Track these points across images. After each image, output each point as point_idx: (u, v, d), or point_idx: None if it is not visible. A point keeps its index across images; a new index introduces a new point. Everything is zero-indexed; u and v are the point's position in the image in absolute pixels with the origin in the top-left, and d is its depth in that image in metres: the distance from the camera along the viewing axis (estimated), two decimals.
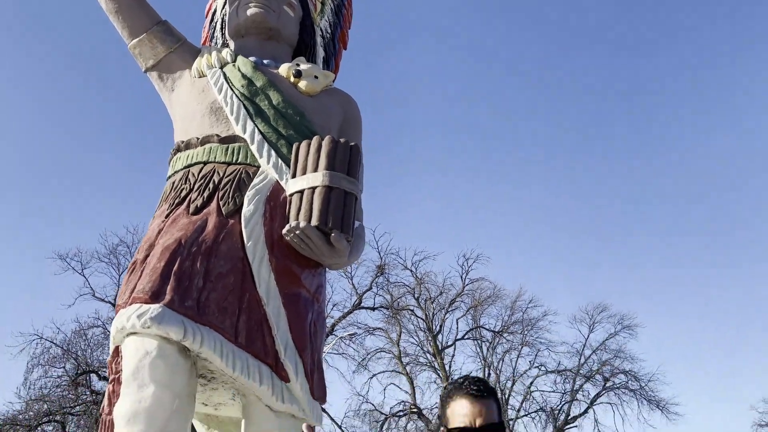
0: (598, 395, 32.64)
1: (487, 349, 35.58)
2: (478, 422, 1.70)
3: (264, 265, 5.44)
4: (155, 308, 4.67)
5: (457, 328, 34.32)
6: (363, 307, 32.92)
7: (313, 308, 5.88)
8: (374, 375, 42.48)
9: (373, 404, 32.94)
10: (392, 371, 33.52)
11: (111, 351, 4.89)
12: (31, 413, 24.81)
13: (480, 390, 1.76)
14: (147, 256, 5.17)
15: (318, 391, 5.74)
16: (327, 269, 6.14)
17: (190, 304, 4.86)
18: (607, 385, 32.33)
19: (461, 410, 1.73)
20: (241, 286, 5.16)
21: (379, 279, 33.55)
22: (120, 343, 4.79)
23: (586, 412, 32.74)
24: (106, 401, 4.74)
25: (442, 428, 1.85)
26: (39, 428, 25.21)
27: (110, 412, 4.63)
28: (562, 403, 33.21)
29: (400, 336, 34.59)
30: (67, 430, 25.34)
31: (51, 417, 25.20)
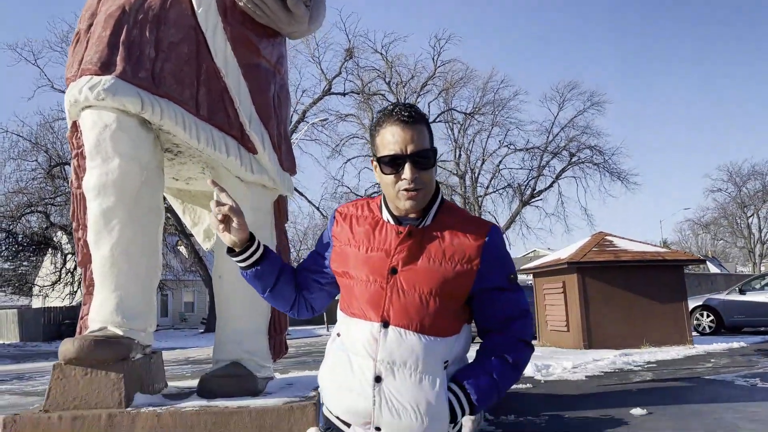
0: (563, 170, 34.10)
1: (458, 131, 36.09)
2: (410, 149, 1.60)
3: (218, 33, 5.14)
4: (107, 80, 4.49)
5: (429, 111, 34.41)
6: (333, 93, 32.45)
7: (275, 80, 5.72)
8: (348, 160, 43.48)
9: (348, 187, 34.00)
10: (366, 156, 34.10)
11: (69, 126, 4.80)
12: (12, 205, 25.36)
13: (410, 116, 1.62)
14: (90, 25, 4.83)
15: (287, 162, 5.83)
16: (287, 39, 5.88)
17: (144, 75, 4.66)
18: (573, 160, 33.64)
19: (391, 138, 1.61)
20: (197, 56, 4.92)
21: (348, 63, 32.61)
22: (76, 117, 4.67)
23: (551, 186, 34.49)
24: (72, 175, 4.75)
25: (372, 159, 1.74)
26: (23, 218, 25.99)
27: (79, 186, 4.67)
28: (529, 179, 34.77)
29: (372, 121, 34.75)
30: (51, 219, 26.18)
31: (33, 208, 25.83)
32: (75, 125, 4.71)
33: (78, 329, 4.78)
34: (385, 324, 1.57)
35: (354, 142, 35.16)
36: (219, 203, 1.63)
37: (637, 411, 5.89)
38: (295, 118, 30.06)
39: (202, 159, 5.09)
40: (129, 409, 4.22)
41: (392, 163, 1.60)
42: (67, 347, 4.23)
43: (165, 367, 5.62)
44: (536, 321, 13.80)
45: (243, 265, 1.73)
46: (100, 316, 4.55)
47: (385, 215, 1.71)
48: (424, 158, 1.60)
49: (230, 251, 1.72)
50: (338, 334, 1.75)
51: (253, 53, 5.21)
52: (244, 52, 5.11)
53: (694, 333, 13.28)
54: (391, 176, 1.61)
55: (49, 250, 27.94)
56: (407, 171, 1.58)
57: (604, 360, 10.27)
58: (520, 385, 7.92)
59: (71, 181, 4.79)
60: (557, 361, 9.87)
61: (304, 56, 44.49)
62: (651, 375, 8.19)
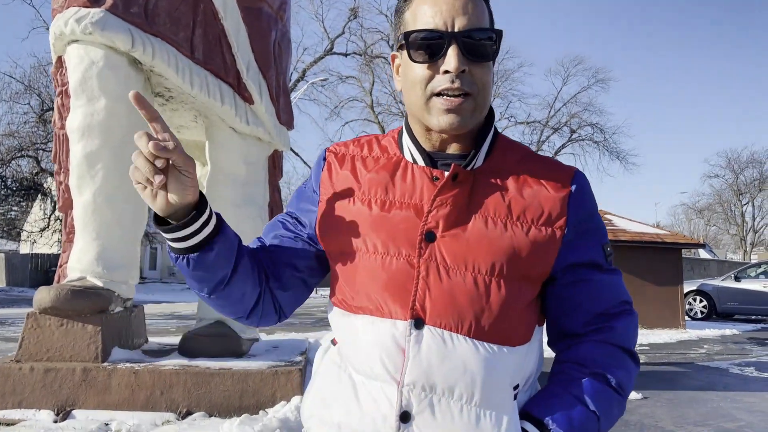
0: (563, 146, 33.88)
1: None
2: (458, 23, 0.98)
3: None
4: (96, 12, 4.16)
5: None
6: (335, 53, 31.76)
7: (276, 26, 5.39)
8: (346, 123, 42.84)
9: None
10: (364, 120, 33.65)
11: (54, 61, 4.48)
12: (2, 148, 24.86)
13: None
14: None
15: (284, 116, 5.54)
16: None
17: (137, 11, 4.34)
18: (573, 136, 33.37)
19: (430, 9, 1.00)
20: None
21: (352, 23, 31.88)
22: (62, 52, 4.35)
23: None
24: (56, 115, 4.46)
25: (392, 54, 1.12)
26: (13, 162, 25.52)
27: (62, 126, 4.39)
28: None
29: (372, 85, 34.06)
30: (42, 165, 25.75)
31: (24, 152, 25.33)
32: (60, 61, 4.40)
33: (56, 277, 4.55)
34: (418, 323, 0.96)
35: (353, 105, 34.65)
36: (155, 140, 0.88)
37: (632, 395, 5.74)
38: (295, 76, 29.49)
39: (195, 106, 4.79)
40: (105, 363, 4.02)
41: (427, 46, 0.98)
42: (42, 296, 4.00)
43: (150, 321, 5.44)
44: None
45: (183, 245, 0.98)
46: (80, 264, 4.32)
47: (409, 152, 1.09)
48: (480, 41, 0.98)
49: (162, 222, 0.97)
50: (333, 342, 1.14)
51: None
52: None
53: (686, 317, 13.21)
54: (423, 67, 0.99)
55: (39, 195, 27.57)
56: (452, 58, 0.96)
57: None
58: None
59: (54, 121, 4.50)
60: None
61: (307, 13, 43.60)
62: (644, 358, 8.07)
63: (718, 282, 13.86)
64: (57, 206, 4.58)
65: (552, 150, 35.11)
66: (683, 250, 12.86)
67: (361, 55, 32.84)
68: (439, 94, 0.99)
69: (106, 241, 4.30)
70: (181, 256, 1.00)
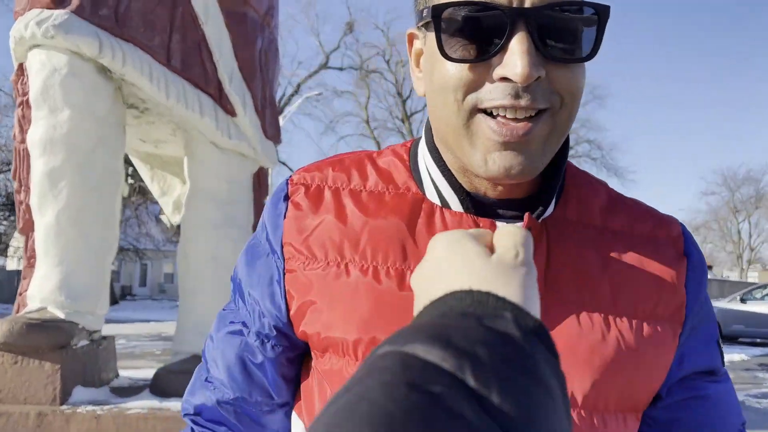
0: None
1: None
2: None
3: None
4: (60, 14, 3.76)
5: None
6: (330, 67, 31.56)
7: (263, 33, 5.00)
8: (342, 138, 42.56)
9: None
10: (360, 135, 33.42)
11: (15, 68, 4.07)
12: None
13: None
14: None
15: (271, 129, 5.13)
16: None
17: (106, 13, 3.94)
18: (571, 152, 33.25)
19: None
20: None
21: (348, 38, 31.82)
22: (23, 59, 3.95)
23: None
24: (16, 128, 4.04)
25: (410, 32, 0.66)
26: (1, 175, 25.15)
27: (23, 140, 3.98)
28: None
29: (368, 100, 33.83)
30: None
31: (11, 165, 24.93)
32: (21, 68, 3.99)
33: (15, 307, 4.11)
34: None
35: (348, 120, 34.47)
36: None
37: None
38: (290, 90, 29.26)
39: (173, 118, 4.39)
40: (64, 407, 3.57)
41: (476, 29, 0.56)
42: None
43: (135, 343, 5.00)
44: None
45: None
46: (40, 293, 3.90)
47: (434, 187, 0.67)
48: (569, 28, 0.57)
49: None
50: None
51: (238, 0, 4.50)
52: None
53: None
54: (462, 69, 0.57)
55: None
56: (517, 56, 0.54)
57: None
58: None
59: (14, 134, 4.07)
60: None
61: (303, 27, 43.55)
62: None
63: (723, 304, 13.46)
64: (17, 228, 4.15)
65: None
66: None
67: (356, 70, 32.69)
68: (489, 113, 0.57)
69: (70, 266, 3.89)
70: None
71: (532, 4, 0.54)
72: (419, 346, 0.34)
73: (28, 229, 4.03)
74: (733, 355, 10.84)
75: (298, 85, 29.85)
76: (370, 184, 0.68)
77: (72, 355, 3.78)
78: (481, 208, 0.65)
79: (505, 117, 0.56)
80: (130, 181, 16.85)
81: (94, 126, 3.87)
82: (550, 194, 0.64)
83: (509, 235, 0.48)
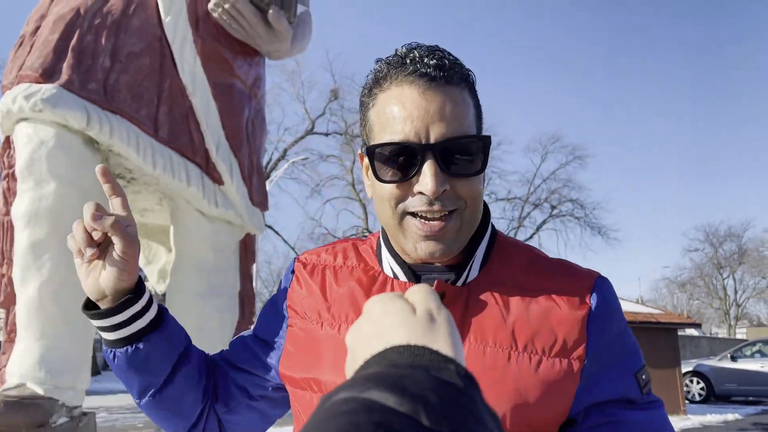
0: (544, 222, 34.06)
1: None
2: (435, 133, 0.79)
3: (187, 46, 4.52)
4: (48, 88, 3.81)
5: None
6: (316, 133, 32.08)
7: (250, 104, 5.09)
8: (328, 201, 42.83)
9: (326, 228, 33.35)
10: (345, 197, 33.68)
11: (1, 141, 4.10)
12: None
13: (440, 68, 0.79)
14: (38, 28, 4.17)
15: (258, 196, 5.15)
16: (266, 59, 5.28)
17: (95, 87, 4.00)
18: (554, 212, 33.60)
19: (400, 109, 0.79)
20: (160, 70, 4.28)
21: (333, 104, 32.44)
22: (10, 132, 3.98)
23: (531, 237, 34.20)
24: (1, 200, 4.02)
25: (360, 152, 0.93)
26: None
27: (7, 212, 3.96)
28: (509, 229, 34.46)
29: (354, 163, 34.28)
30: None
31: None
32: (8, 141, 4.01)
33: None
34: None
35: (334, 183, 34.71)
36: (95, 212, 0.83)
37: None
38: (276, 155, 29.59)
39: (159, 188, 4.40)
40: None
41: (396, 162, 0.81)
42: None
43: (116, 416, 4.82)
44: None
45: (110, 337, 0.90)
46: (19, 369, 3.78)
47: (388, 265, 0.92)
48: (464, 153, 0.81)
49: (90, 306, 0.91)
50: None
51: (226, 71, 4.60)
52: (215, 69, 4.50)
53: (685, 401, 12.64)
54: (392, 187, 0.83)
55: None
56: (428, 177, 0.79)
57: None
58: None
59: None
60: None
61: (289, 94, 44.39)
62: None
63: (714, 362, 13.37)
64: None
65: (534, 226, 35.20)
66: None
67: (341, 135, 33.19)
68: (414, 215, 0.84)
69: (51, 341, 3.80)
70: (114, 349, 0.93)
71: (435, 140, 0.80)
72: (375, 392, 0.41)
73: (10, 302, 3.95)
74: (726, 415, 10.68)
75: (285, 151, 30.22)
76: (349, 263, 0.97)
77: None
78: (419, 277, 0.90)
79: (425, 218, 0.82)
80: None
81: (79, 198, 3.86)
82: (469, 262, 0.88)
83: (416, 292, 0.57)
